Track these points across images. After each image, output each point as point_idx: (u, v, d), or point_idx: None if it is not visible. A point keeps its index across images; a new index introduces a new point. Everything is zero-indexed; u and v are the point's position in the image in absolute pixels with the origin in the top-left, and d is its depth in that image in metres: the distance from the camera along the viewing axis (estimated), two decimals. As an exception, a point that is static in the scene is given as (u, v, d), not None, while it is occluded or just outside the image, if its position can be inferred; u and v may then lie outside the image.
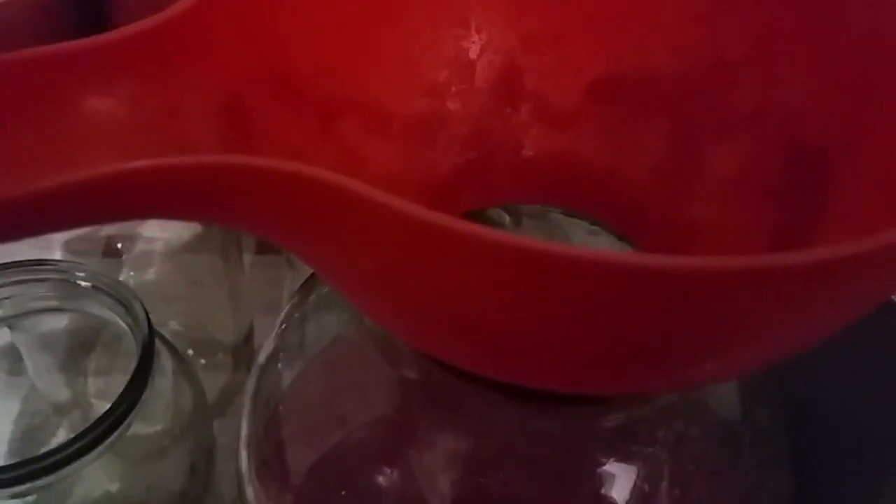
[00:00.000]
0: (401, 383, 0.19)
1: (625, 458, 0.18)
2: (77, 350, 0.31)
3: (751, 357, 0.14)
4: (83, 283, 0.24)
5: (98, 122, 0.13)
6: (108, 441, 0.22)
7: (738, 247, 0.17)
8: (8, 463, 0.21)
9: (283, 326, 0.22)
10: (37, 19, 0.35)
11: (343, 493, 0.19)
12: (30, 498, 0.22)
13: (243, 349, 0.34)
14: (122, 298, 0.24)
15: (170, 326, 0.33)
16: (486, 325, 0.13)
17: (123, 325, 0.24)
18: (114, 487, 0.25)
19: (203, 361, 0.34)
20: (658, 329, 0.12)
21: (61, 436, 0.32)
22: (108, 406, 0.33)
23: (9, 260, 0.25)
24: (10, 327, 0.27)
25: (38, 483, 0.21)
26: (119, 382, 0.33)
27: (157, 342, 0.24)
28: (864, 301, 0.13)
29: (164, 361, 0.25)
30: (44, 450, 0.32)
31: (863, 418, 0.21)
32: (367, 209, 0.11)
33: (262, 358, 0.22)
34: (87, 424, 0.32)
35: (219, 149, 0.14)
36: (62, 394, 0.31)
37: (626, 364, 0.13)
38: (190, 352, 0.34)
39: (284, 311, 0.23)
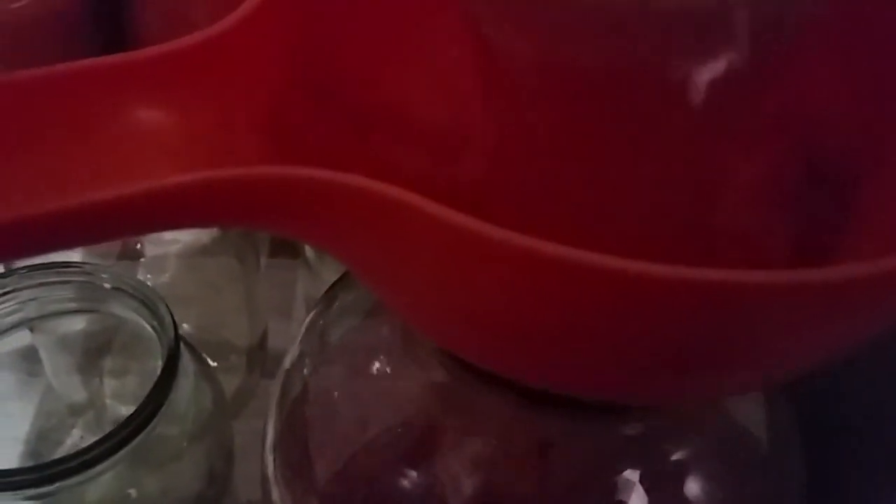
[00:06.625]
0: (425, 387, 0.20)
1: (644, 466, 0.19)
2: (93, 351, 0.31)
3: (773, 370, 0.15)
4: (107, 286, 0.24)
5: (151, 133, 0.13)
6: (133, 443, 0.22)
7: (759, 254, 0.18)
8: (26, 465, 0.21)
9: (307, 332, 0.23)
10: (53, 24, 0.35)
11: (368, 495, 0.20)
12: (42, 500, 0.22)
13: (257, 352, 0.34)
14: (147, 301, 0.24)
15: (184, 329, 0.34)
16: (519, 328, 0.13)
17: (148, 327, 0.24)
18: (129, 490, 0.25)
19: (216, 364, 0.34)
20: (685, 339, 0.12)
21: (76, 436, 0.32)
22: (122, 407, 0.33)
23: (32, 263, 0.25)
24: (32, 329, 0.27)
25: (64, 484, 0.21)
26: (134, 384, 0.33)
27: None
28: (882, 318, 0.13)
29: (186, 362, 0.26)
30: (59, 449, 0.32)
31: (878, 419, 0.22)
32: (414, 217, 0.12)
33: (287, 363, 0.22)
34: (102, 425, 0.32)
35: (264, 161, 0.14)
36: (78, 395, 0.32)
37: (651, 372, 0.14)
38: (203, 354, 0.34)
39: (308, 317, 0.23)
